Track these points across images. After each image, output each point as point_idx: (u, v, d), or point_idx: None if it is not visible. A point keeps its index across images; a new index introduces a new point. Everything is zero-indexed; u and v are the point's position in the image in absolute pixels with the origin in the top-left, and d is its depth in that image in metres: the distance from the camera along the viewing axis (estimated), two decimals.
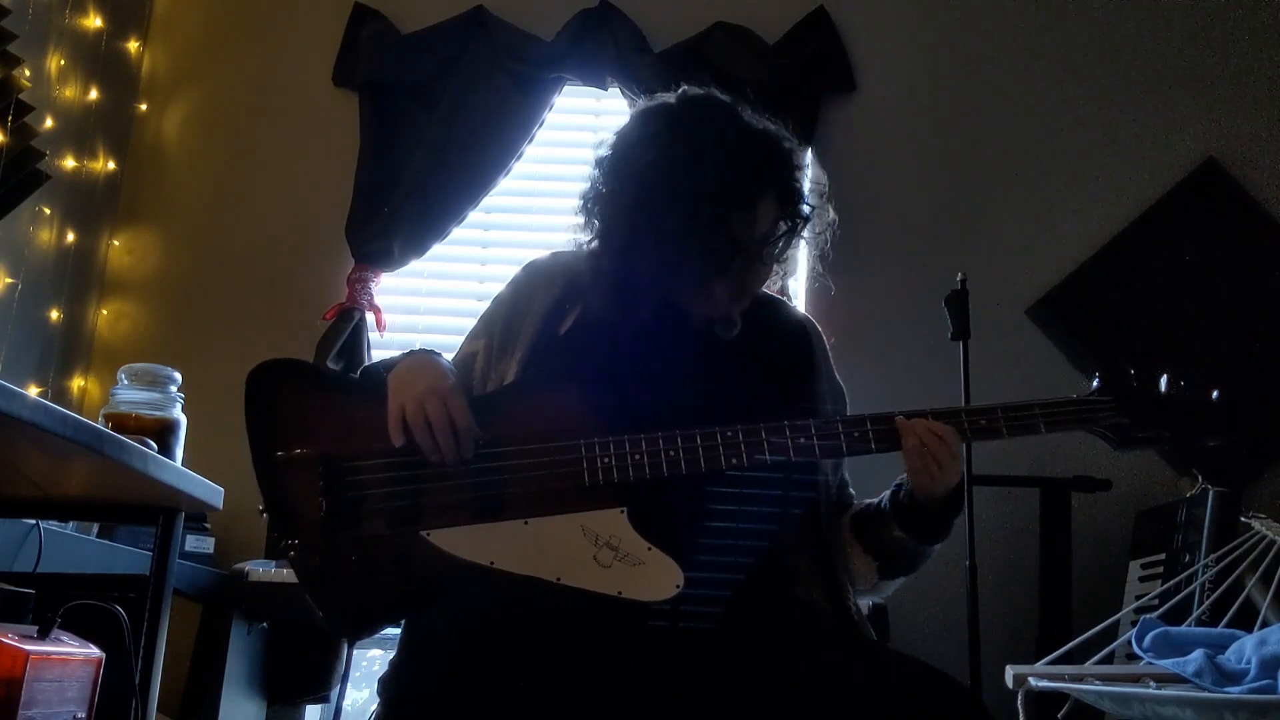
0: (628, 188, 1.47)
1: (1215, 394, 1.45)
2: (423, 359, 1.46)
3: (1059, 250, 3.13)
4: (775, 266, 1.51)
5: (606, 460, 1.37)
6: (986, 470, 2.57)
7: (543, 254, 1.63)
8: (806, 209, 1.48)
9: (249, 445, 1.42)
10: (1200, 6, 3.25)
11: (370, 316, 3.13)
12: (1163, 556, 2.51)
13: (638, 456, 1.37)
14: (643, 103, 1.57)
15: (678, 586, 1.31)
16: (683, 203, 1.40)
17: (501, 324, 1.56)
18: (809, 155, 3.12)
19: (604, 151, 1.54)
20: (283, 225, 3.26)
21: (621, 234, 1.47)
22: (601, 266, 1.50)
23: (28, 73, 2.59)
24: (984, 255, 3.11)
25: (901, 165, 3.23)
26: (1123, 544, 2.75)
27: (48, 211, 2.90)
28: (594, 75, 3.20)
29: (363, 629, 1.40)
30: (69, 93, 2.97)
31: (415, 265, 3.19)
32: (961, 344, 2.45)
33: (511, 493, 1.37)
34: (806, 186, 1.49)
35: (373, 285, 3.13)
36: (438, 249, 3.18)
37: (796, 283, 3.02)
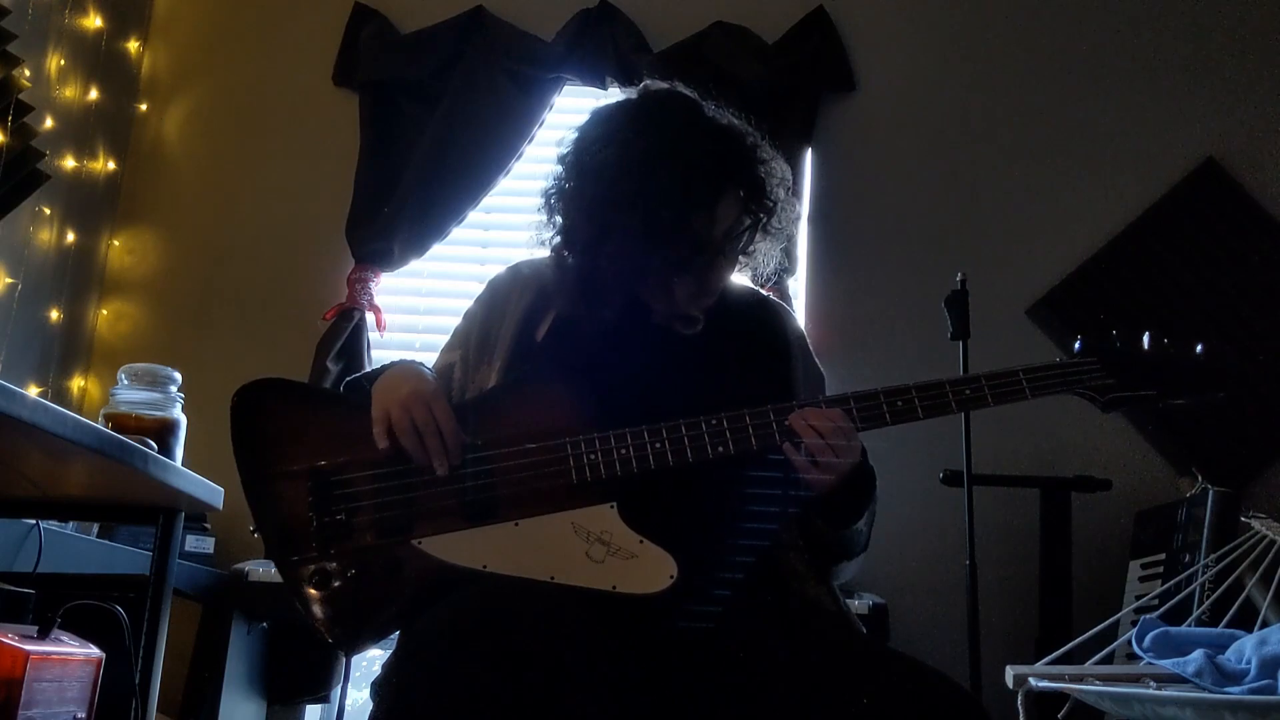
0: (589, 186, 1.48)
1: (1199, 348, 1.43)
2: (406, 367, 1.47)
3: (1059, 250, 3.13)
4: (763, 257, 1.53)
5: (593, 457, 1.37)
6: (986, 470, 2.57)
7: (501, 269, 1.64)
8: (770, 203, 1.48)
9: (237, 467, 1.41)
10: (1200, 6, 3.25)
11: (370, 316, 3.13)
12: (1163, 556, 2.50)
13: (624, 451, 1.37)
14: (603, 99, 1.58)
15: (671, 577, 1.31)
16: (643, 203, 1.41)
17: (476, 336, 1.57)
18: (808, 155, 3.14)
19: (565, 149, 1.56)
20: (283, 225, 3.26)
21: (585, 232, 1.48)
22: (566, 265, 1.52)
23: (28, 73, 2.59)
24: (984, 255, 3.10)
25: (901, 165, 3.23)
26: (1123, 544, 2.74)
27: (48, 211, 2.90)
28: (593, 75, 3.19)
29: (360, 643, 1.39)
30: (69, 93, 2.97)
31: (415, 265, 3.19)
32: (961, 344, 2.45)
33: (501, 495, 1.37)
34: (774, 181, 1.49)
35: (373, 285, 3.13)
36: (438, 249, 3.18)
37: (796, 282, 3.03)
